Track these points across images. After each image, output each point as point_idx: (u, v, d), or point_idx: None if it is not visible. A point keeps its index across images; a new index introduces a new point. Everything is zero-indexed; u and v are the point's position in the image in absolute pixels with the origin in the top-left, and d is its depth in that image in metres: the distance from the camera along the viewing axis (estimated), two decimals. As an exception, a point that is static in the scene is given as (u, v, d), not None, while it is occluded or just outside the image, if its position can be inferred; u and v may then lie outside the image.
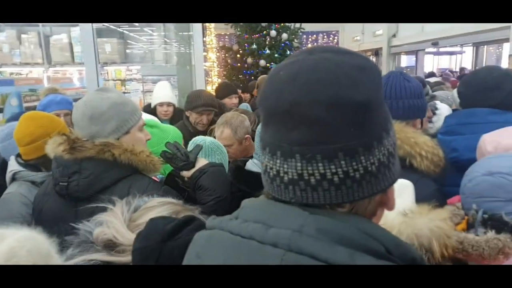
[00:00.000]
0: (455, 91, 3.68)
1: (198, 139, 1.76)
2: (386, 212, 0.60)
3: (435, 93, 3.58)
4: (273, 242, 0.54)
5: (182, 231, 0.87)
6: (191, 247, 0.65)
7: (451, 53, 14.29)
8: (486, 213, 1.12)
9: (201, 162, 1.53)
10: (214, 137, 1.96)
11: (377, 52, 10.31)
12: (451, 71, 11.62)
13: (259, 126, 1.40)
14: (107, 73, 6.59)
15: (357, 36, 11.21)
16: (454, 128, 1.73)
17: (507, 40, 5.63)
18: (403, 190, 1.16)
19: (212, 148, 1.74)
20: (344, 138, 0.53)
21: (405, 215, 1.06)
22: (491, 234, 1.11)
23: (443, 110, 2.54)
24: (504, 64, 7.24)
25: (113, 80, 6.52)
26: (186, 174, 1.51)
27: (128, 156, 1.36)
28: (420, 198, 1.17)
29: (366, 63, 0.58)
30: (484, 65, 7.72)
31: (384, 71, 9.38)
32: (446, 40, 7.34)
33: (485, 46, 7.58)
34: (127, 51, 5.64)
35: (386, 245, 0.54)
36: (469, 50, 9.02)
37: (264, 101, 0.59)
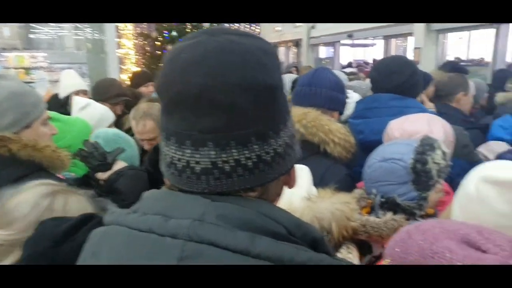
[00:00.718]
0: (368, 80, 3.91)
1: (100, 133, 1.63)
2: (291, 196, 0.58)
3: (350, 83, 3.79)
4: (173, 233, 0.52)
5: (79, 232, 0.79)
6: (87, 246, 0.60)
7: (365, 46, 15.25)
8: (383, 197, 1.23)
9: (120, 164, 1.43)
10: (128, 130, 1.83)
11: (297, 43, 10.61)
12: (366, 63, 12.41)
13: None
14: (7, 60, 5.92)
15: (278, 27, 11.40)
16: (361, 113, 1.89)
17: (411, 34, 6.11)
18: (300, 173, 1.20)
19: (116, 140, 1.62)
20: (256, 122, 0.53)
21: (309, 199, 1.10)
22: (389, 215, 1.20)
23: (354, 99, 2.68)
24: (410, 56, 7.89)
25: (15, 68, 5.88)
26: (101, 176, 1.41)
27: (29, 152, 1.22)
28: (332, 183, 1.21)
29: (269, 46, 0.57)
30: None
31: (304, 62, 9.75)
32: (359, 32, 7.77)
33: (394, 39, 8.17)
34: (31, 36, 5.11)
35: (287, 226, 0.54)
36: (380, 43, 9.65)
37: (167, 87, 0.54)
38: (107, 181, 1.41)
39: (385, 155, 1.25)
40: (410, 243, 0.76)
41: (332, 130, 1.47)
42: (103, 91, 2.54)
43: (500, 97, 2.79)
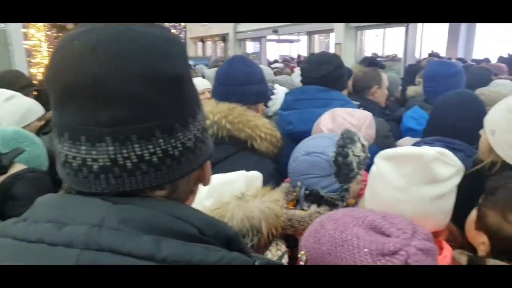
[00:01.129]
0: (293, 75, 4.00)
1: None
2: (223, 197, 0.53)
3: (277, 77, 3.84)
4: (67, 242, 0.46)
5: None
6: None
7: (290, 41, 15.68)
8: (307, 189, 1.25)
9: (17, 167, 1.28)
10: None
11: (224, 38, 10.56)
12: (291, 58, 12.76)
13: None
14: None
15: (204, 21, 11.24)
16: (290, 104, 1.93)
17: (332, 30, 6.39)
18: (253, 182, 1.19)
19: (17, 139, 1.45)
20: (160, 114, 0.49)
21: (241, 198, 1.07)
22: (313, 208, 1.22)
23: (281, 93, 2.72)
24: (332, 51, 8.24)
25: None
26: (-6, 180, 1.24)
27: None
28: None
29: (171, 35, 0.53)
30: (316, 52, 8.67)
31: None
32: (284, 28, 7.94)
33: (317, 35, 8.50)
34: None
35: (198, 226, 0.51)
36: (304, 39, 9.98)
37: (58, 77, 0.47)
38: (1, 186, 1.25)
39: (308, 149, 1.28)
40: (322, 233, 0.78)
41: (259, 126, 1.46)
42: (11, 82, 2.29)
43: (410, 90, 3.00)
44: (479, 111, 1.55)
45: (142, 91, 0.47)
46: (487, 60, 7.40)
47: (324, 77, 1.89)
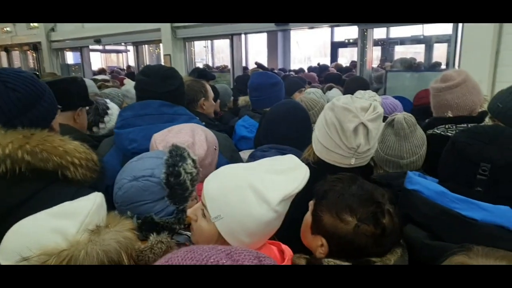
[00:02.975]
0: (126, 87, 3.69)
1: None
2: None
3: (106, 90, 3.48)
4: None
5: None
6: None
7: (118, 51, 14.82)
8: (139, 218, 1.11)
9: None
10: None
11: (36, 47, 9.23)
12: (120, 69, 12.05)
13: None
14: None
15: (7, 27, 9.63)
16: (130, 121, 1.74)
17: (160, 41, 6.24)
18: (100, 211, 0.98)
19: None
20: None
21: (92, 232, 0.89)
22: (153, 237, 1.08)
23: (114, 109, 2.46)
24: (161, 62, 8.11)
25: None
26: None
27: None
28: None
29: None
30: (146, 63, 8.36)
31: (47, 68, 8.57)
32: (108, 38, 7.40)
33: (145, 45, 8.18)
34: None
35: None
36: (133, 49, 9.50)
37: None
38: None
39: (135, 173, 1.14)
40: None
41: (69, 151, 1.20)
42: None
43: (241, 100, 3.10)
44: (305, 120, 1.65)
45: None
46: (302, 70, 8.44)
47: (171, 92, 1.81)
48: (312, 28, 5.31)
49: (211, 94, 2.51)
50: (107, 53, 14.61)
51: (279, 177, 0.94)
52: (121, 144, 1.72)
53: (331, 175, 1.19)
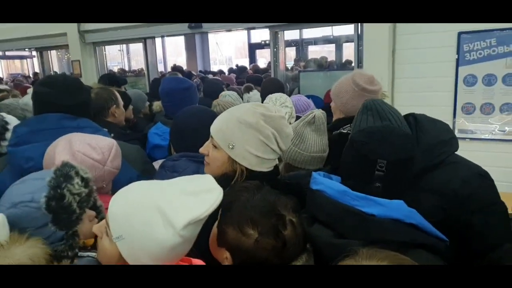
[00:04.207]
0: (25, 98, 3.35)
1: None
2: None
3: (4, 101, 3.13)
4: None
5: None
6: None
7: (22, 57, 13.56)
8: None
9: None
10: None
11: None
12: (25, 76, 11.03)
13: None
14: None
15: None
16: (26, 138, 1.60)
17: (67, 46, 5.80)
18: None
19: None
20: None
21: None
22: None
23: (13, 123, 2.22)
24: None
25: None
26: None
27: None
28: None
29: None
30: (53, 70, 7.73)
31: None
32: (6, 43, 6.71)
33: (50, 51, 7.56)
34: None
35: None
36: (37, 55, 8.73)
37: None
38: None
39: (14, 199, 1.04)
40: None
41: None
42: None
43: (156, 105, 2.99)
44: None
45: None
46: (221, 72, 8.44)
47: (79, 105, 1.70)
48: (229, 30, 5.33)
49: (121, 101, 2.39)
50: (9, 59, 13.30)
51: (190, 199, 0.89)
52: (17, 163, 1.56)
53: (241, 182, 1.19)
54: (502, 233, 1.31)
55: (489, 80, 3.10)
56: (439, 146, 1.35)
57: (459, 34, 3.12)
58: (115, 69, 8.88)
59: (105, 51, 6.01)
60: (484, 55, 3.08)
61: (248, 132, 1.25)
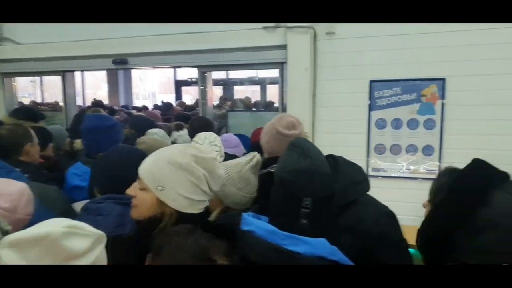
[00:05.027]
0: None
1: None
2: None
3: None
4: None
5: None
6: None
7: None
8: None
9: None
10: None
11: None
12: None
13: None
14: None
15: None
16: None
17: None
18: None
19: None
20: None
21: None
22: None
23: None
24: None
25: None
26: None
27: None
28: None
29: None
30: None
31: None
32: None
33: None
34: None
35: None
36: None
37: None
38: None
39: None
40: None
41: None
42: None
43: (77, 143, 2.83)
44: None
45: None
46: (145, 108, 8.26)
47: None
48: (155, 68, 5.28)
49: (36, 138, 2.22)
50: None
51: None
52: None
53: (173, 227, 1.17)
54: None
55: (397, 124, 3.46)
56: (353, 186, 1.45)
57: (371, 82, 3.46)
58: (26, 101, 8.25)
59: (14, 81, 5.55)
60: (392, 101, 3.44)
61: (178, 173, 1.24)
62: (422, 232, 1.19)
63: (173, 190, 1.24)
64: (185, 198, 1.25)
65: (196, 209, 1.29)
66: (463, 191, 1.10)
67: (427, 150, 3.41)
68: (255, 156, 1.76)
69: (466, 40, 3.17)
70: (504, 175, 1.12)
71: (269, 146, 1.95)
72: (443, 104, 3.32)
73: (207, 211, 1.39)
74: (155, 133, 2.85)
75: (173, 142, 3.97)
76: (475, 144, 3.23)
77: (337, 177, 1.44)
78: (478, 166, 1.14)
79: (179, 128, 4.35)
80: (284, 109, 3.73)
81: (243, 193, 1.72)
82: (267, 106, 7.06)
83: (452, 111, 3.30)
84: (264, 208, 1.36)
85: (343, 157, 1.56)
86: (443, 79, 3.29)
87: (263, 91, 8.52)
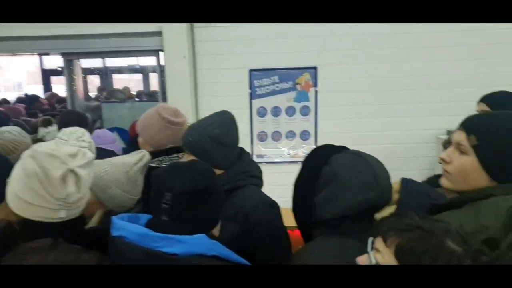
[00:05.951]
0: None
1: None
2: None
3: None
4: None
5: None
6: None
7: None
8: None
9: None
10: None
11: None
12: None
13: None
14: None
15: None
16: None
17: None
18: None
19: None
20: None
21: None
22: None
23: None
24: None
25: None
26: None
27: None
28: None
29: None
30: None
31: None
32: None
33: None
34: None
35: None
36: None
37: None
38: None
39: None
40: None
41: None
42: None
43: None
44: (4, 169, 1.34)
45: None
46: (5, 101, 7.18)
47: None
48: (15, 55, 4.61)
49: None
50: None
51: None
52: None
53: (27, 243, 1.00)
54: (285, 255, 1.49)
55: (276, 111, 3.60)
56: (242, 175, 1.53)
57: (250, 71, 3.53)
58: None
59: None
60: (270, 90, 3.57)
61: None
62: (292, 200, 1.35)
63: (13, 194, 1.09)
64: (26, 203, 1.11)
65: (44, 217, 1.13)
66: (311, 161, 1.32)
67: (304, 135, 3.64)
68: (145, 156, 1.58)
69: (336, 31, 3.43)
70: (343, 147, 1.32)
71: (157, 138, 1.85)
72: (316, 92, 3.57)
73: (79, 219, 1.23)
74: (8, 131, 2.40)
75: (40, 140, 3.52)
76: (346, 128, 3.55)
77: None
78: (323, 146, 1.37)
79: (47, 123, 3.87)
80: (165, 99, 3.59)
81: (130, 195, 1.53)
82: (151, 96, 6.76)
83: (324, 97, 3.57)
84: (146, 205, 1.26)
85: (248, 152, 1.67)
86: (315, 68, 3.52)
87: (146, 80, 8.13)
